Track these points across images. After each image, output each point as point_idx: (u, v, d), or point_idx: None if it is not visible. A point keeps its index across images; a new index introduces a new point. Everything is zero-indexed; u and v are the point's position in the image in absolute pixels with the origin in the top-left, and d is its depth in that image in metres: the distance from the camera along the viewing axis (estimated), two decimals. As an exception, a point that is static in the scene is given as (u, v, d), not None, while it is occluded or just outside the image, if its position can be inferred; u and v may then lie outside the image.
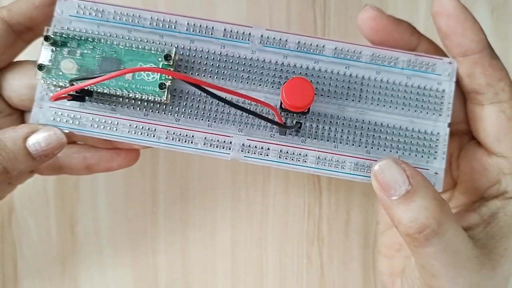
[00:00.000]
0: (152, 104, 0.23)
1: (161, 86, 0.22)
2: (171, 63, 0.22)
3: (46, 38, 0.22)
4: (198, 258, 0.33)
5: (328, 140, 0.23)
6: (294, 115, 0.22)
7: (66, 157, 0.27)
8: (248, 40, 0.23)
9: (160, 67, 0.22)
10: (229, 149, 0.23)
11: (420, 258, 0.21)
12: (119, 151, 0.27)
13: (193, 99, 0.23)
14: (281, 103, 0.22)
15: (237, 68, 0.23)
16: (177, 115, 0.23)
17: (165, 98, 0.22)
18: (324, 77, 0.23)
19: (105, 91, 0.22)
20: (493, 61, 0.21)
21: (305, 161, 0.23)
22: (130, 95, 0.22)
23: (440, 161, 0.23)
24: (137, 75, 0.22)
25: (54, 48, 0.22)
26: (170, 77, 0.22)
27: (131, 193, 0.33)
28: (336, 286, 0.33)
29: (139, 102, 0.23)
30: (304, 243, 0.33)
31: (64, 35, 0.22)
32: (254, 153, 0.23)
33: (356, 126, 0.23)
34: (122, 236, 0.33)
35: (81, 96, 0.22)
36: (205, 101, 0.23)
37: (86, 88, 0.22)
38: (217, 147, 0.23)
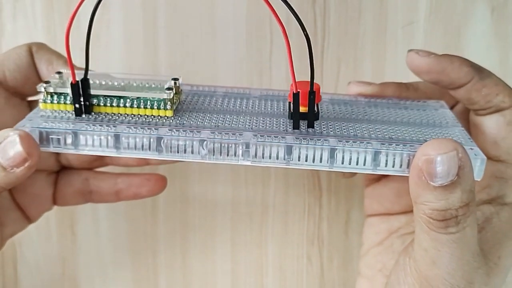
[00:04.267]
0: (157, 119, 0.22)
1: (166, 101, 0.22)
2: (178, 85, 0.22)
3: (47, 82, 0.22)
4: (198, 258, 0.33)
5: (345, 135, 0.22)
6: (306, 123, 0.22)
7: (97, 180, 0.27)
8: (248, 93, 0.25)
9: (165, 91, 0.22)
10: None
11: (428, 240, 0.20)
12: (150, 176, 0.27)
13: (198, 113, 0.22)
14: (289, 111, 0.21)
15: (241, 105, 0.24)
16: (183, 124, 0.22)
17: (170, 113, 0.22)
18: (327, 111, 0.23)
19: (107, 105, 0.22)
20: (486, 81, 0.22)
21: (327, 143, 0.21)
22: (133, 110, 0.22)
23: (468, 144, 0.22)
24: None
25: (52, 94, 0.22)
26: (175, 91, 0.22)
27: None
28: (336, 286, 0.33)
29: (143, 118, 0.22)
30: (304, 244, 0.33)
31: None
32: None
33: (370, 128, 0.22)
34: (122, 237, 0.33)
35: (79, 109, 0.22)
36: (211, 113, 0.23)
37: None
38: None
